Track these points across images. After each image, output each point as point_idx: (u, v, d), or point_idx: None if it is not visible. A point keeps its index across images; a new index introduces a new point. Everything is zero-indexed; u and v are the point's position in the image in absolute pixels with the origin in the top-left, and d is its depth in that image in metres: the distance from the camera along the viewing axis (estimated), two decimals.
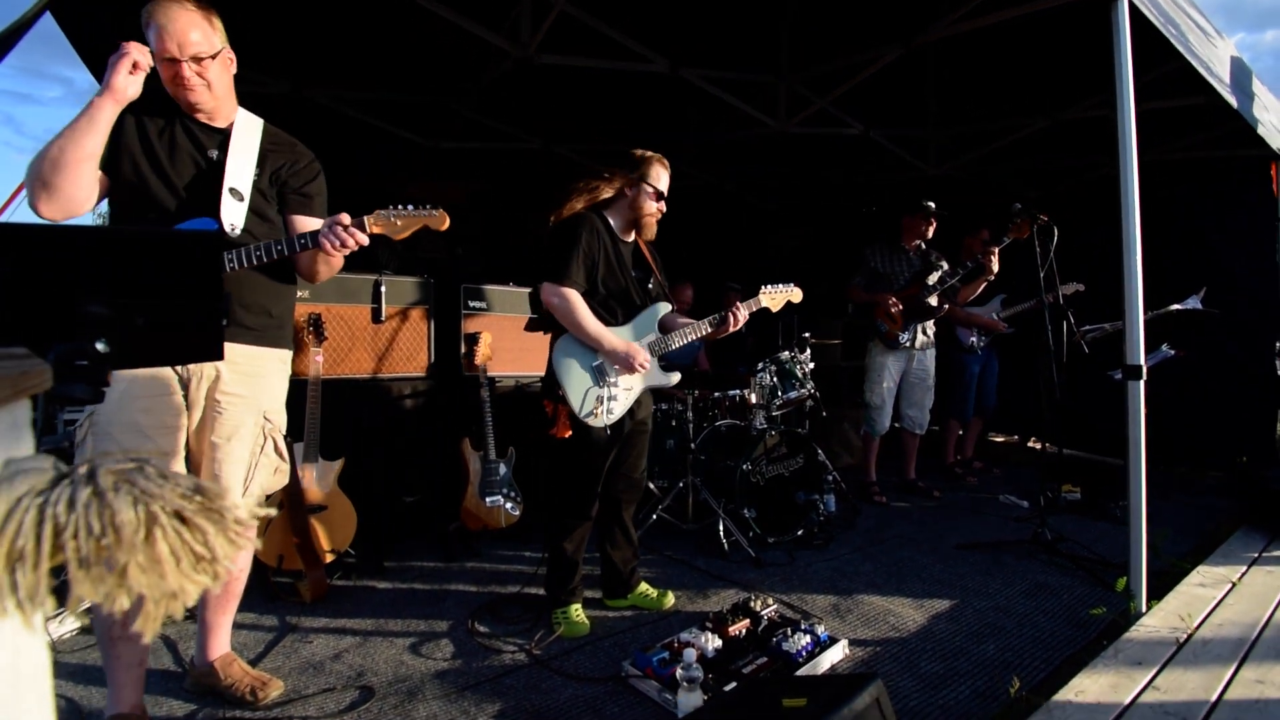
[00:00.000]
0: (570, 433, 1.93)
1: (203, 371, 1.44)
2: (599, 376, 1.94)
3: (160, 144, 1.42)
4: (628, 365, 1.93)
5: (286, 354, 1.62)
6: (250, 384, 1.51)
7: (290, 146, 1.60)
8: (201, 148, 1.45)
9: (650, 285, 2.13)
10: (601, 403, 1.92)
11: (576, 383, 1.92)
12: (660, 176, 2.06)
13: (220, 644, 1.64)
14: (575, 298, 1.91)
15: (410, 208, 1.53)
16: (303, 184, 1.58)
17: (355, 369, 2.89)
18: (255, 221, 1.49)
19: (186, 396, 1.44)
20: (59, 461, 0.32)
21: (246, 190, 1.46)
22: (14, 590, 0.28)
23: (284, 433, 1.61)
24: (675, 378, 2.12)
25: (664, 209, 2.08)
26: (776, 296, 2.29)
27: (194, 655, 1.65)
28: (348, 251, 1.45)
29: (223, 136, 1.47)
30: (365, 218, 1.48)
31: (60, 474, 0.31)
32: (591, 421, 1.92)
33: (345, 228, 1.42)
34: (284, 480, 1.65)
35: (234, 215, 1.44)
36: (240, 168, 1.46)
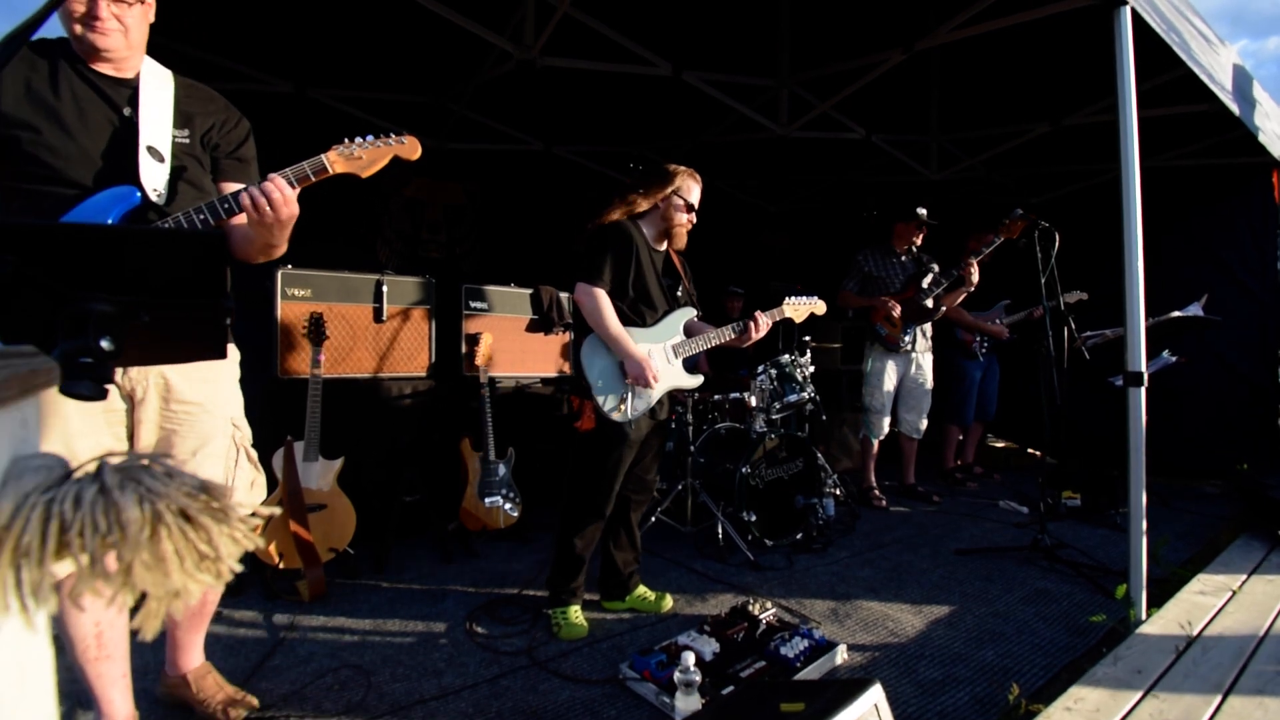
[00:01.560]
0: (594, 425, 1.98)
1: (148, 381, 1.28)
2: (624, 374, 2.00)
3: (61, 103, 1.20)
4: (638, 375, 1.97)
5: (235, 350, 1.46)
6: (206, 389, 1.35)
7: (213, 100, 1.40)
8: (114, 105, 1.25)
9: (679, 293, 2.21)
10: (625, 400, 1.98)
11: (602, 378, 1.98)
12: (691, 190, 2.13)
13: (194, 657, 1.54)
14: (604, 299, 1.98)
15: (372, 138, 1.34)
16: (236, 146, 1.40)
17: (356, 368, 2.89)
18: (190, 192, 1.32)
19: (133, 414, 1.28)
20: (66, 460, 0.32)
21: (166, 149, 1.27)
22: (18, 587, 0.28)
23: (252, 441, 1.48)
24: (698, 380, 2.16)
25: (694, 220, 2.16)
26: (800, 308, 2.32)
27: (165, 665, 1.55)
28: (275, 213, 1.20)
29: (131, 90, 1.28)
30: (324, 155, 1.28)
31: (67, 472, 0.31)
32: (614, 416, 1.97)
33: (267, 180, 1.19)
34: (261, 494, 1.51)
35: (155, 179, 1.24)
36: (156, 123, 1.27)
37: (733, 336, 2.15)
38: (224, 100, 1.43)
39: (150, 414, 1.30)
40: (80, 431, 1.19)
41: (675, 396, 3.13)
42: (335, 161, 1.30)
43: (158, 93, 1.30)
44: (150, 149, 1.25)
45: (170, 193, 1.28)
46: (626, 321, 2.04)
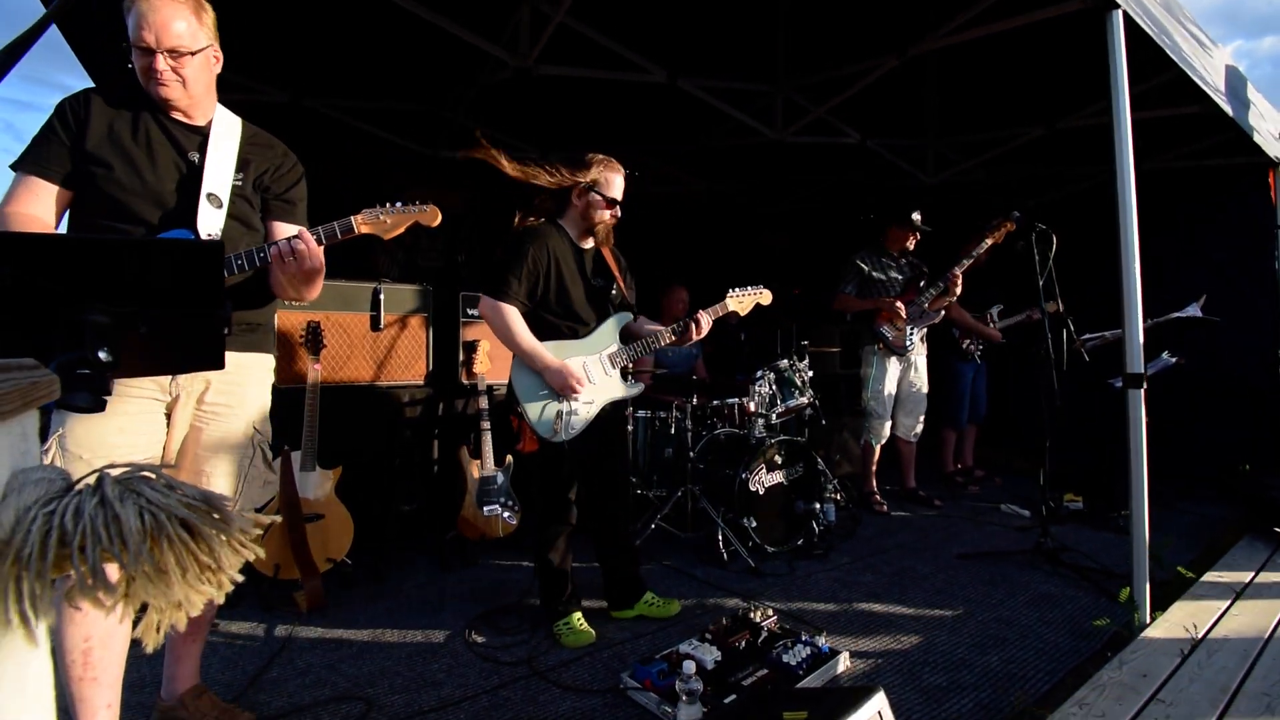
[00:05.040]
0: (537, 446, 1.93)
1: (192, 387, 1.37)
2: (557, 392, 1.91)
3: (137, 146, 1.31)
4: (561, 385, 1.87)
5: (270, 360, 1.56)
6: (237, 393, 1.44)
7: (272, 148, 1.51)
8: (182, 150, 1.36)
9: (613, 293, 2.08)
10: (561, 418, 1.88)
11: (535, 398, 1.90)
12: (611, 182, 1.98)
13: (189, 674, 1.52)
14: (511, 314, 1.87)
15: (399, 205, 1.47)
16: (286, 189, 1.51)
17: (353, 376, 2.88)
18: (238, 229, 1.41)
19: (171, 415, 1.36)
20: (66, 472, 0.32)
21: (225, 195, 1.37)
22: (19, 600, 0.28)
23: (270, 443, 1.55)
24: (637, 389, 2.08)
25: (619, 214, 2.02)
26: (744, 300, 2.22)
27: (161, 689, 1.52)
28: (298, 264, 1.32)
29: (202, 137, 1.38)
30: (353, 217, 1.42)
31: (68, 484, 0.31)
32: (550, 437, 1.90)
33: (296, 236, 1.32)
34: (272, 493, 1.59)
35: (210, 224, 1.35)
36: (219, 171, 1.37)
37: (672, 338, 2.05)
38: (283, 147, 1.55)
39: (185, 413, 1.39)
40: (121, 429, 1.27)
41: (671, 402, 3.13)
42: (360, 223, 1.43)
43: (225, 141, 1.41)
44: (210, 195, 1.36)
45: (222, 234, 1.38)
46: (556, 335, 1.93)
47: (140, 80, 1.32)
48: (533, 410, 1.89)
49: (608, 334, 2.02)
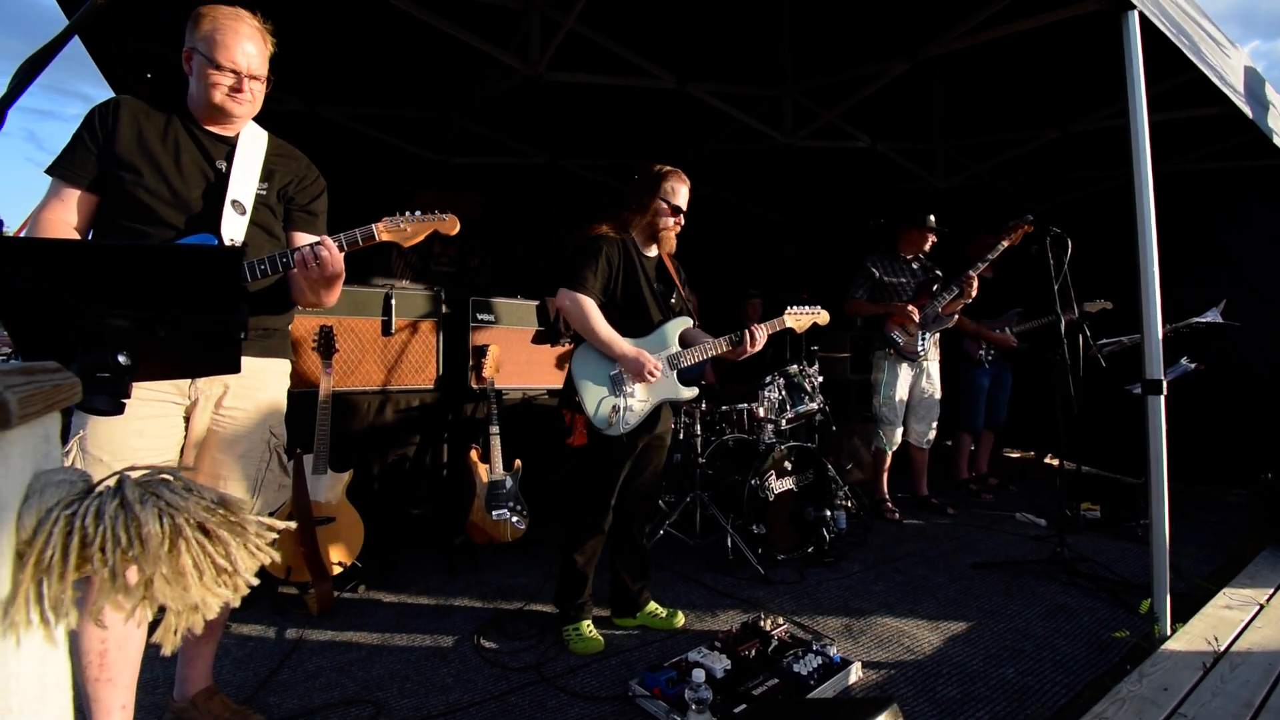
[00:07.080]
0: (586, 440, 1.95)
1: (211, 390, 1.40)
2: (615, 386, 1.96)
3: (165, 152, 1.36)
4: (637, 371, 1.94)
5: (287, 365, 1.59)
6: (254, 398, 1.47)
7: (296, 159, 1.57)
8: (210, 158, 1.41)
9: (672, 299, 2.15)
10: (617, 412, 1.93)
11: (593, 391, 1.95)
12: (678, 191, 2.08)
13: (202, 676, 1.53)
14: (589, 303, 1.94)
15: (419, 213, 1.52)
16: (309, 201, 1.56)
17: (364, 381, 2.91)
18: (260, 236, 1.45)
19: (189, 418, 1.39)
20: (87, 474, 0.32)
21: (249, 202, 1.42)
22: (40, 601, 0.28)
23: (285, 448, 1.57)
24: (692, 392, 2.11)
25: (682, 223, 2.11)
26: (802, 318, 2.24)
27: (174, 689, 1.53)
28: (320, 270, 1.36)
29: (230, 146, 1.44)
30: (374, 225, 1.46)
31: (88, 486, 0.31)
32: (606, 431, 1.93)
33: (319, 243, 1.35)
34: (286, 496, 1.60)
35: (234, 230, 1.39)
36: (244, 179, 1.43)
37: (727, 348, 2.08)
38: (307, 160, 1.60)
39: (203, 417, 1.41)
40: (141, 432, 1.29)
41: (679, 407, 3.12)
42: (381, 231, 1.47)
43: (252, 151, 1.47)
44: (234, 202, 1.40)
45: (245, 239, 1.42)
46: (621, 334, 1.99)
47: (209, 94, 1.37)
48: (590, 402, 1.93)
49: (668, 336, 2.08)
